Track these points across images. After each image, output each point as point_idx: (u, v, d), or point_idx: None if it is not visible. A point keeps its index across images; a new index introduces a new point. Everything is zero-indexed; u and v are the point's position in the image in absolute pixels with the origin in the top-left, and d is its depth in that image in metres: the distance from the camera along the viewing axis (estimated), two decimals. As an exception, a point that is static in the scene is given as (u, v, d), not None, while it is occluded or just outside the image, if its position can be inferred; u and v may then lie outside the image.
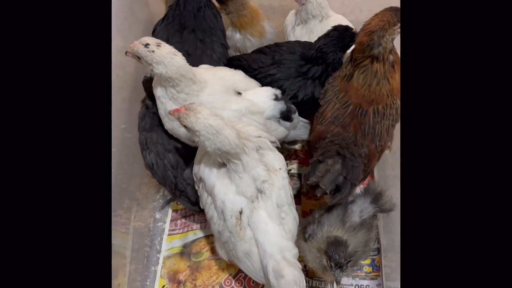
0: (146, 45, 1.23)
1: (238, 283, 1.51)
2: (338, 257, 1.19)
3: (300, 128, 1.60)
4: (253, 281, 1.50)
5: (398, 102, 1.39)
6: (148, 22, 1.71)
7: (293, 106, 1.50)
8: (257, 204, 1.24)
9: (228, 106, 1.36)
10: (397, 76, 1.37)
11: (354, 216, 1.33)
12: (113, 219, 1.40)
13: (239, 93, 1.42)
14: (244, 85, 1.47)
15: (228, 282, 1.51)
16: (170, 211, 1.69)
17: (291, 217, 1.29)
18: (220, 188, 1.24)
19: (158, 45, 1.24)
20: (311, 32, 1.70)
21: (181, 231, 1.64)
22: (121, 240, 1.48)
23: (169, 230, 1.64)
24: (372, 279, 1.50)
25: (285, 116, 1.48)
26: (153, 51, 1.22)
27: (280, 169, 1.29)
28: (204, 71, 1.40)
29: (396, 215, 1.48)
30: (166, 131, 1.44)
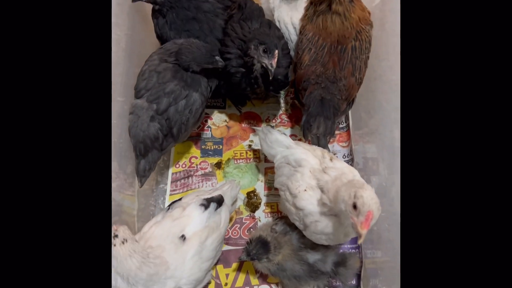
0: (115, 236, 1.20)
1: (234, 233, 1.70)
2: (250, 249, 1.44)
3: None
4: (248, 229, 1.69)
5: (371, 32, 1.55)
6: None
7: (215, 196, 1.49)
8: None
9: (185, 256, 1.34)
10: (357, 9, 1.52)
11: None
12: (119, 183, 1.55)
13: (183, 236, 1.38)
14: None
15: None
16: (170, 173, 1.86)
17: None
18: None
19: (122, 242, 1.20)
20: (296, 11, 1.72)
21: (181, 191, 1.82)
22: (129, 202, 1.65)
23: (170, 190, 1.82)
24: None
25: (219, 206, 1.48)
26: (114, 245, 1.19)
27: None
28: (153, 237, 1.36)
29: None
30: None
